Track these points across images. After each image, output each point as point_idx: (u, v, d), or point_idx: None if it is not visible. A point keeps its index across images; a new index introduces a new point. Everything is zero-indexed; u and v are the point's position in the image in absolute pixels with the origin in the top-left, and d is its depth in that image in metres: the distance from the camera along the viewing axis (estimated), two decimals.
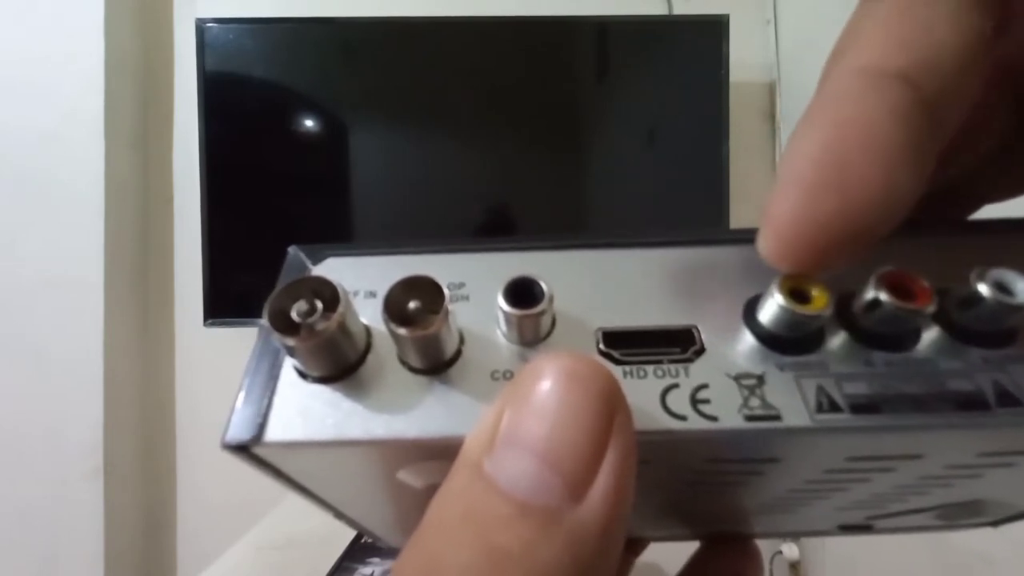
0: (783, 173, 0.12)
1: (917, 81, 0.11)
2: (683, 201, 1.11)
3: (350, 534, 0.81)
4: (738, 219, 1.07)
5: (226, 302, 1.08)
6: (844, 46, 0.13)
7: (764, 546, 0.24)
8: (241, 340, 1.13)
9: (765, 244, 0.12)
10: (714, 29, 1.06)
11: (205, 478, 1.21)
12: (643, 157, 1.12)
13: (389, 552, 0.77)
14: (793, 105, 1.15)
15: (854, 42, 0.13)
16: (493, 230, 1.10)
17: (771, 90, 1.20)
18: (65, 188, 1.08)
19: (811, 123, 0.12)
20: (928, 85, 0.11)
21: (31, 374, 1.08)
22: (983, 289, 0.12)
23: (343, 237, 1.09)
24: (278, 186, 1.11)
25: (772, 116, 1.20)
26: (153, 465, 1.20)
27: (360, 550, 0.79)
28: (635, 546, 0.26)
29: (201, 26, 1.05)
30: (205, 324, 1.08)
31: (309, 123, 1.11)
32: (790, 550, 1.06)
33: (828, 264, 0.12)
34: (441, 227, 1.09)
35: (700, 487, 0.16)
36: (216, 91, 1.07)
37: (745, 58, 1.12)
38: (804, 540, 1.07)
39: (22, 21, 1.08)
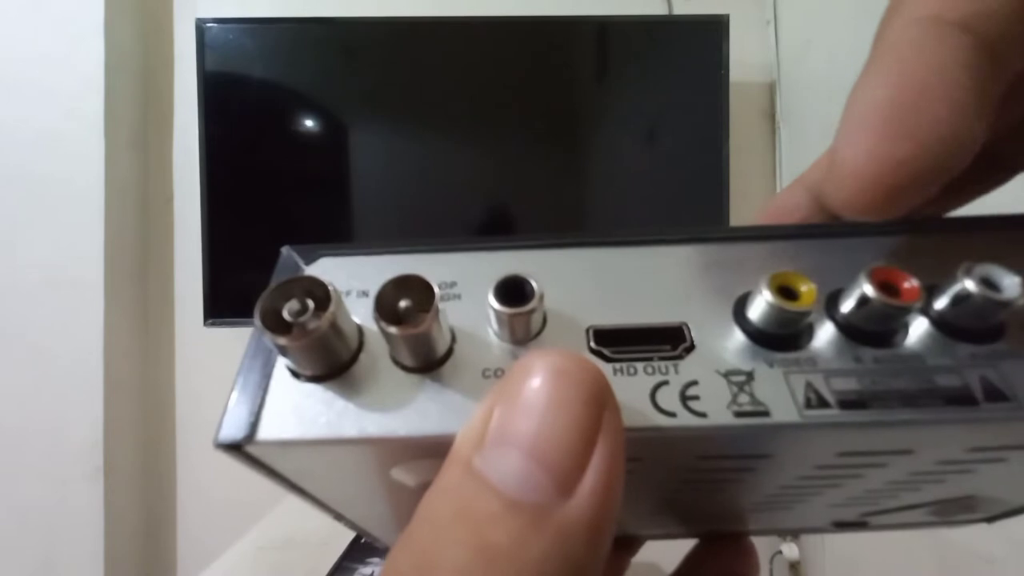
0: (850, 121, 0.12)
1: (977, 28, 0.12)
2: (683, 201, 1.11)
3: (350, 534, 0.81)
4: (738, 219, 1.07)
5: (226, 302, 1.08)
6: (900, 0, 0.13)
7: (764, 546, 0.24)
8: (241, 340, 1.12)
9: (839, 189, 0.12)
10: (714, 29, 1.06)
11: (205, 478, 1.21)
12: (643, 157, 1.12)
13: (389, 552, 0.76)
14: (793, 105, 1.15)
15: None
16: (493, 230, 1.10)
17: (771, 90, 1.20)
18: (65, 188, 1.08)
19: (875, 72, 0.12)
20: (988, 32, 0.12)
21: (31, 374, 1.08)
22: (970, 285, 0.12)
23: (343, 237, 1.09)
24: (278, 186, 1.11)
25: (772, 116, 1.20)
26: (153, 465, 1.20)
27: (360, 550, 0.79)
28: (631, 545, 0.26)
29: (201, 26, 1.05)
30: (205, 324, 1.08)
31: (309, 123, 1.11)
32: (790, 550, 1.06)
33: (899, 206, 0.12)
34: (441, 227, 1.09)
35: (693, 485, 0.16)
36: (216, 91, 1.07)
37: (745, 58, 1.12)
38: (804, 540, 1.06)
39: (22, 21, 1.08)
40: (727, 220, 1.07)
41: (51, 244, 1.08)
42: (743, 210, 1.10)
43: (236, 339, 1.09)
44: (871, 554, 0.86)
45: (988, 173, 0.17)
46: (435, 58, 1.09)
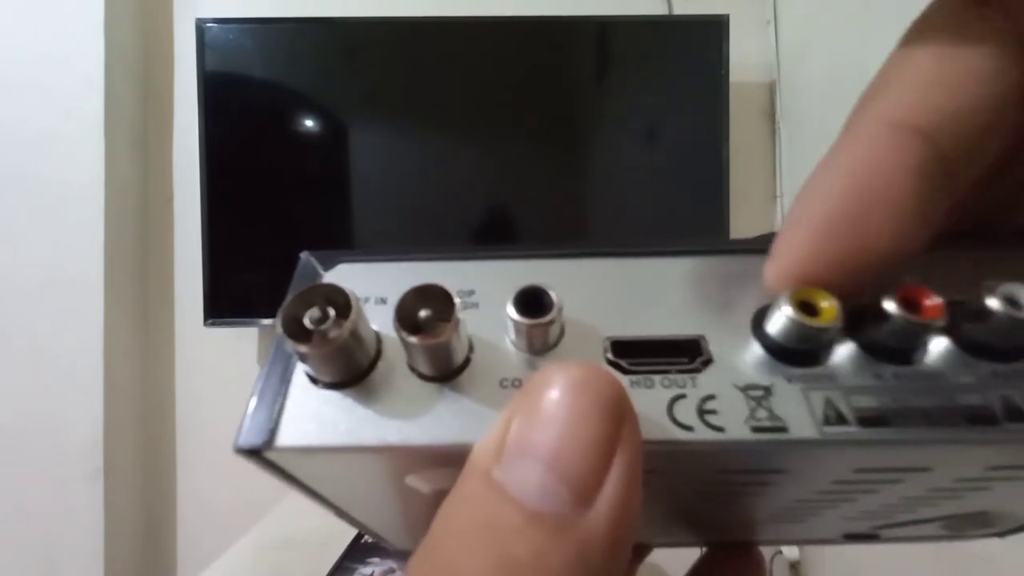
0: (797, 210, 0.13)
1: (936, 139, 0.12)
2: (683, 201, 1.11)
3: (350, 534, 0.81)
4: (738, 219, 1.07)
5: (226, 302, 1.08)
6: (873, 94, 0.13)
7: (765, 546, 0.24)
8: (241, 340, 1.13)
9: (769, 275, 0.13)
10: (714, 29, 1.06)
11: (205, 478, 1.21)
12: (643, 157, 1.12)
13: (389, 552, 0.77)
14: (793, 105, 1.15)
15: (881, 93, 0.13)
16: (493, 230, 1.10)
17: (771, 90, 1.20)
18: (65, 188, 1.08)
19: (830, 167, 0.13)
20: (947, 144, 0.12)
21: (31, 374, 1.08)
22: (993, 303, 0.12)
23: (343, 237, 1.09)
24: (278, 186, 1.11)
25: (772, 116, 1.20)
26: (153, 465, 1.20)
27: (360, 550, 0.79)
28: (640, 552, 0.26)
29: (201, 26, 1.05)
30: (205, 324, 1.08)
31: (309, 123, 1.11)
32: (790, 550, 1.06)
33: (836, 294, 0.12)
34: (441, 227, 1.09)
35: (707, 496, 0.16)
36: (216, 91, 1.07)
37: (745, 58, 1.12)
38: None
39: (22, 21, 1.08)
40: (727, 220, 1.07)
41: (51, 244, 1.08)
42: (743, 210, 1.10)
43: (236, 339, 1.09)
44: (871, 555, 0.86)
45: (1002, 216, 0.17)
46: (435, 58, 1.09)
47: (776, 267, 0.13)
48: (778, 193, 1.18)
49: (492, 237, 1.09)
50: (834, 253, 0.12)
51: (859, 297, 0.13)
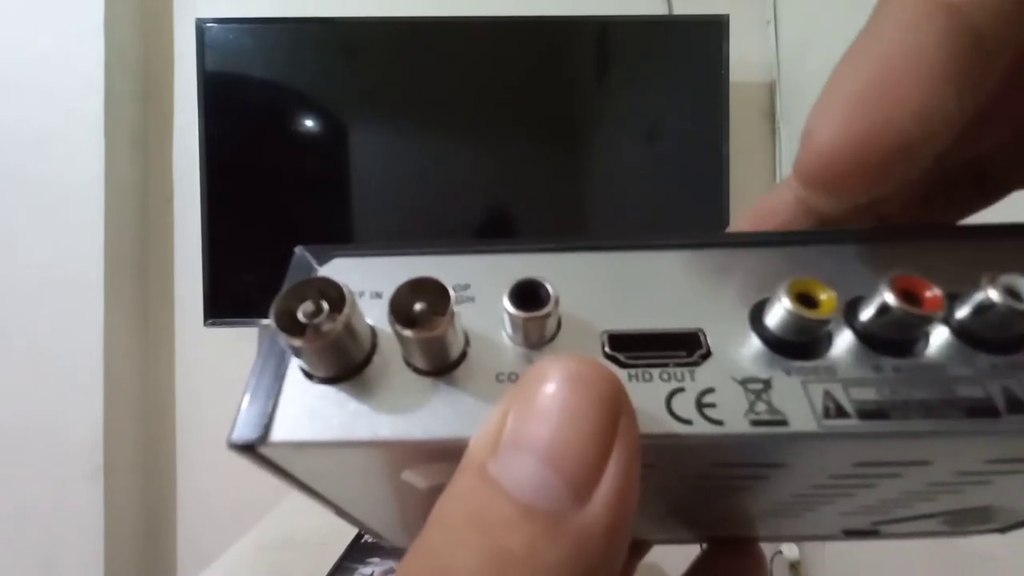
0: (826, 93, 0.12)
1: (968, 12, 0.12)
2: (683, 201, 1.11)
3: (350, 534, 0.81)
4: (738, 219, 1.07)
5: (226, 302, 1.08)
6: None
7: (764, 546, 0.24)
8: (241, 340, 1.13)
9: (805, 163, 0.12)
10: (714, 29, 1.06)
11: (205, 478, 1.21)
12: (643, 157, 1.12)
13: (389, 552, 0.77)
14: (793, 105, 1.15)
15: None
16: (493, 230, 1.10)
17: (771, 90, 1.20)
18: (65, 188, 1.08)
19: (858, 50, 0.12)
20: (979, 17, 0.12)
21: (31, 374, 1.08)
22: (994, 294, 0.11)
23: (343, 237, 1.09)
24: (278, 186, 1.11)
25: (772, 116, 1.20)
26: (153, 465, 1.20)
27: (360, 550, 0.79)
28: (639, 549, 0.26)
29: (201, 26, 1.05)
30: (205, 324, 1.08)
31: (309, 123, 1.11)
32: (790, 550, 1.06)
33: (865, 186, 0.12)
34: (441, 227, 1.09)
35: (705, 491, 0.16)
36: (216, 91, 1.07)
37: (745, 58, 1.12)
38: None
39: (22, 21, 1.08)
40: (727, 220, 1.07)
41: (51, 244, 1.08)
42: (743, 210, 1.09)
43: (236, 339, 1.09)
44: (872, 554, 0.86)
45: (978, 191, 0.17)
46: (435, 58, 1.09)
47: (807, 152, 0.12)
48: None
49: (492, 237, 1.09)
50: (865, 125, 0.11)
51: (860, 287, 0.12)
